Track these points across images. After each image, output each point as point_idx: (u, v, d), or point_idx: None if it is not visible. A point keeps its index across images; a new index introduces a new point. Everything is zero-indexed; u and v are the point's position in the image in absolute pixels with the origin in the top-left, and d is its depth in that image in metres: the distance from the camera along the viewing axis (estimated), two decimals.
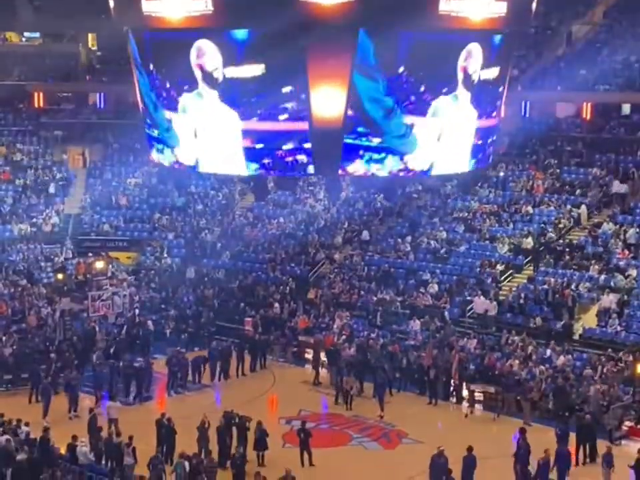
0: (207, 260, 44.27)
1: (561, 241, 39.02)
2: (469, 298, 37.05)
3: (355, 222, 44.62)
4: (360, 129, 19.28)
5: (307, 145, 19.20)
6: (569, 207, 40.69)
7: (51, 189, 48.95)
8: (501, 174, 44.58)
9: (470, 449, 23.85)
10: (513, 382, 30.30)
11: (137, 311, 38.05)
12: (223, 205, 48.71)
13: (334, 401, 31.37)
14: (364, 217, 44.87)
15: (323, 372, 34.26)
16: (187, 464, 23.21)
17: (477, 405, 31.12)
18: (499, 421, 29.75)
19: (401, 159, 19.83)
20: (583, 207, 40.38)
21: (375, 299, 38.24)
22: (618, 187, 40.82)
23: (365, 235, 43.38)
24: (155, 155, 22.02)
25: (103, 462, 24.79)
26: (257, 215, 47.35)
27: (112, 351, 34.25)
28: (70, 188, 49.84)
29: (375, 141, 19.37)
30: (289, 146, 19.36)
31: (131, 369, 31.91)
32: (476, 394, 31.17)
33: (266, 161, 19.67)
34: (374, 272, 40.37)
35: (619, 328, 33.57)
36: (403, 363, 32.98)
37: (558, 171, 43.57)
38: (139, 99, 21.83)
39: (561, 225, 39.69)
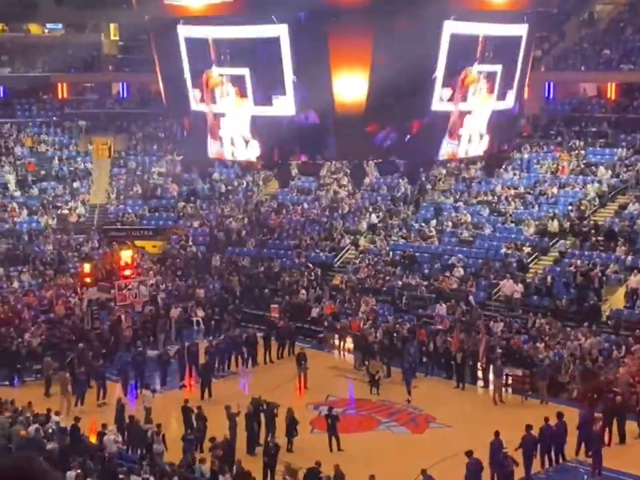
0: (231, 247, 44.37)
1: (585, 222, 38.87)
2: (494, 281, 36.95)
3: (379, 207, 44.57)
4: None
5: None
6: (595, 185, 40.53)
7: (76, 182, 49.23)
8: (526, 156, 44.39)
9: (497, 434, 23.78)
10: (540, 364, 30.23)
11: (160, 300, 38.35)
12: (247, 192, 48.78)
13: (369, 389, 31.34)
14: (388, 202, 44.81)
15: (349, 357, 34.32)
16: (204, 467, 22.95)
17: (504, 388, 31.04)
18: (527, 403, 29.68)
19: None
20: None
21: (400, 283, 38.21)
22: None
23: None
24: None
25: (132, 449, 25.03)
26: (281, 202, 47.37)
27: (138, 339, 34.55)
28: (90, 178, 50.09)
29: None
30: None
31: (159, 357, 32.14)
32: (503, 377, 31.07)
33: None
34: (399, 257, 40.34)
35: None
36: (430, 347, 32.97)
37: (583, 152, 43.33)
38: None
39: (582, 207, 39.47)
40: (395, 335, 33.54)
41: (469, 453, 22.89)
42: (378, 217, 43.66)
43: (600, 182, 40.85)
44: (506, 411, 29.04)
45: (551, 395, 29.59)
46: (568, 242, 37.83)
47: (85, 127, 53.03)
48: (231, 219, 46.31)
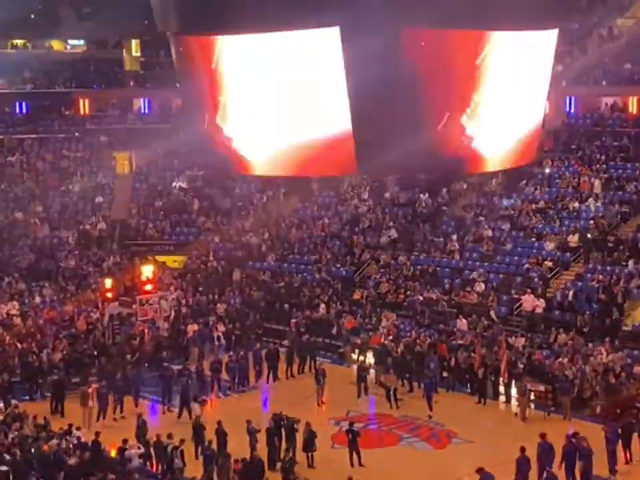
0: (252, 262, 44.37)
1: (610, 237, 38.60)
2: (515, 296, 36.79)
3: (399, 222, 44.49)
4: None
5: None
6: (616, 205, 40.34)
7: (98, 197, 49.45)
8: (547, 170, 44.22)
9: (522, 450, 23.63)
10: (563, 380, 30.05)
11: (181, 315, 38.43)
12: (268, 207, 48.82)
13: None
14: (409, 217, 44.72)
15: (370, 372, 34.19)
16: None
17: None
18: (550, 419, 29.50)
19: None
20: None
21: (421, 298, 38.11)
22: None
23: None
24: None
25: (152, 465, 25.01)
26: (302, 217, 47.38)
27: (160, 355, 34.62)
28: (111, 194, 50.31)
29: None
30: None
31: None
32: (527, 394, 30.86)
33: None
34: (420, 271, 40.24)
35: None
36: (451, 362, 32.84)
37: (604, 166, 43.13)
38: None
39: (603, 222, 39.21)
40: (414, 349, 33.44)
41: (480, 470, 22.63)
42: (398, 231, 43.57)
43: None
44: (528, 426, 28.85)
45: (573, 411, 29.42)
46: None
47: (107, 142, 53.27)
48: (252, 233, 46.34)
